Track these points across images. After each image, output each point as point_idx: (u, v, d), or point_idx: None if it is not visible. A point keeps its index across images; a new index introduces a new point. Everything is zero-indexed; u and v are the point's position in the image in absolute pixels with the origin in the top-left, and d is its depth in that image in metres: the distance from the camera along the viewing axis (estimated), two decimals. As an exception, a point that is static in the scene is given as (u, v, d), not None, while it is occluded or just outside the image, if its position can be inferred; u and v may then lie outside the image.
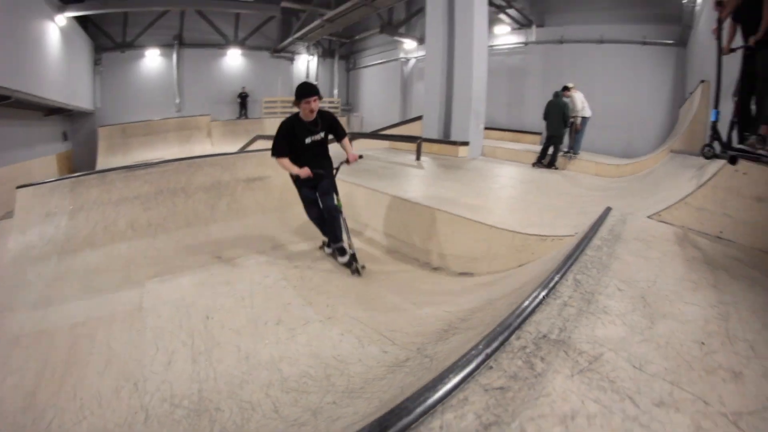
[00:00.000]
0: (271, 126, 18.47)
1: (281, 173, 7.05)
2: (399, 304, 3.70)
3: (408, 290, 4.10)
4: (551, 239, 4.10)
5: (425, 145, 10.68)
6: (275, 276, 4.43)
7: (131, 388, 2.72)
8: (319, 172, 4.26)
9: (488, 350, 1.60)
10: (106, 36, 18.77)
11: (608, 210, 3.87)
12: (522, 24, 15.71)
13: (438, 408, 1.32)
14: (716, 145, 4.06)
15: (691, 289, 2.29)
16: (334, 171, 4.52)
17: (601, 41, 14.10)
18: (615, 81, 13.57)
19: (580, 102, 10.38)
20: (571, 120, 10.14)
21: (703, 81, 8.20)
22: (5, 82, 9.62)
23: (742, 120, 3.90)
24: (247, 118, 20.37)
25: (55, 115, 15.55)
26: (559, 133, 9.64)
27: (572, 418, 1.29)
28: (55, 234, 5.56)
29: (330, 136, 4.48)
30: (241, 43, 21.10)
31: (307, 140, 4.27)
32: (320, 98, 4.23)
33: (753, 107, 3.81)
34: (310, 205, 4.54)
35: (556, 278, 2.26)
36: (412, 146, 10.46)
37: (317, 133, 4.30)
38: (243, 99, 20.57)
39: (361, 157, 4.55)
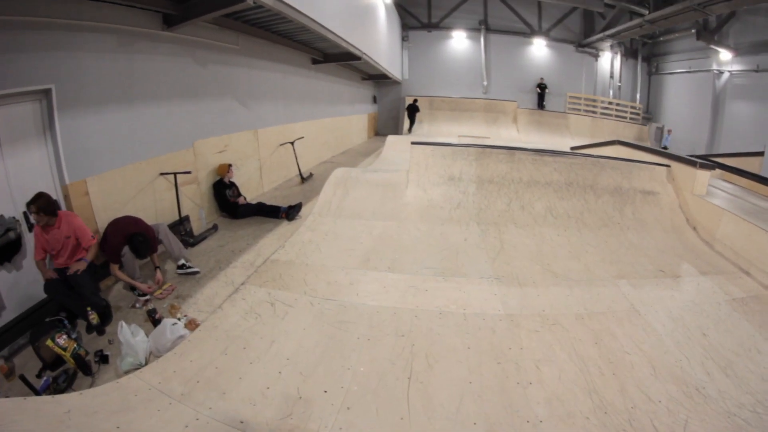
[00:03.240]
0: (576, 123, 17.91)
1: (668, 191, 6.68)
2: None
3: None
4: None
5: (755, 186, 8.64)
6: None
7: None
8: None
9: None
10: (412, 16, 20.40)
11: None
12: None
13: None
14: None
15: None
16: None
17: None
18: None
19: None
20: None
21: None
22: (359, 44, 10.33)
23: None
24: (544, 109, 20.02)
25: (369, 80, 17.57)
26: None
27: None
28: (464, 200, 5.92)
29: None
30: (545, 34, 20.65)
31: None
32: None
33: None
34: None
35: None
36: (754, 186, 8.54)
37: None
38: (542, 90, 20.20)
39: None
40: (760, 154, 11.18)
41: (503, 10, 20.19)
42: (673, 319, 3.78)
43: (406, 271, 4.30)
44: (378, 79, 17.71)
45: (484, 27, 20.03)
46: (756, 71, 15.64)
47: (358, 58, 10.79)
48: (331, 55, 10.60)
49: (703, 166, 6.45)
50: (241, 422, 2.45)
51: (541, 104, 20.11)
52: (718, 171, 10.45)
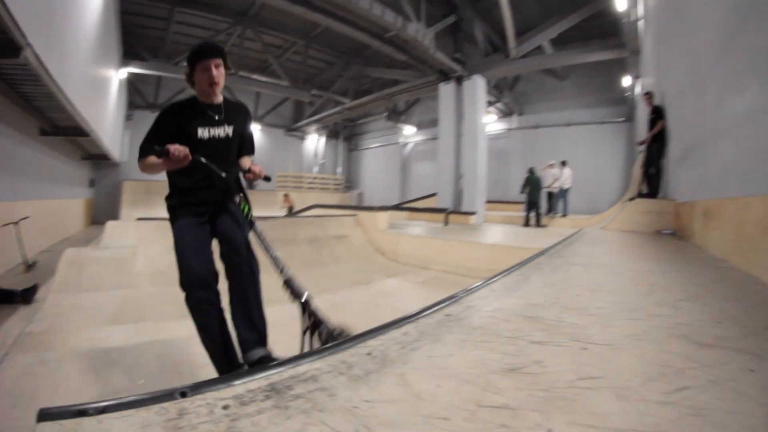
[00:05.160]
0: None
1: (357, 233, 9.37)
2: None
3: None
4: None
5: (435, 215, 13.58)
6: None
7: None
8: (211, 168, 2.53)
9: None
10: (140, 94, 20.25)
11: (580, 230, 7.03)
12: (506, 113, 19.54)
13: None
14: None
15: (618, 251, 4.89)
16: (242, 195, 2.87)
17: (568, 124, 18.19)
18: (580, 156, 17.10)
19: (551, 177, 13.53)
20: (548, 190, 13.37)
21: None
22: (91, 120, 9.59)
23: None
24: (253, 189, 21.57)
25: (88, 160, 15.98)
26: (535, 199, 12.68)
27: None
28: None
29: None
30: (260, 120, 23.45)
31: (202, 133, 2.56)
32: (228, 68, 2.56)
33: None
34: (195, 254, 2.44)
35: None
36: (431, 216, 13.21)
37: (220, 125, 2.62)
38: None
39: (267, 179, 3.10)
40: (434, 194, 16.05)
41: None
42: (365, 303, 5.66)
43: (149, 320, 5.26)
44: (98, 159, 16.18)
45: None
46: (433, 139, 21.40)
47: (87, 134, 10.10)
48: (61, 128, 9.86)
49: (381, 209, 9.60)
50: None
51: (250, 185, 22.31)
52: (406, 213, 14.94)
